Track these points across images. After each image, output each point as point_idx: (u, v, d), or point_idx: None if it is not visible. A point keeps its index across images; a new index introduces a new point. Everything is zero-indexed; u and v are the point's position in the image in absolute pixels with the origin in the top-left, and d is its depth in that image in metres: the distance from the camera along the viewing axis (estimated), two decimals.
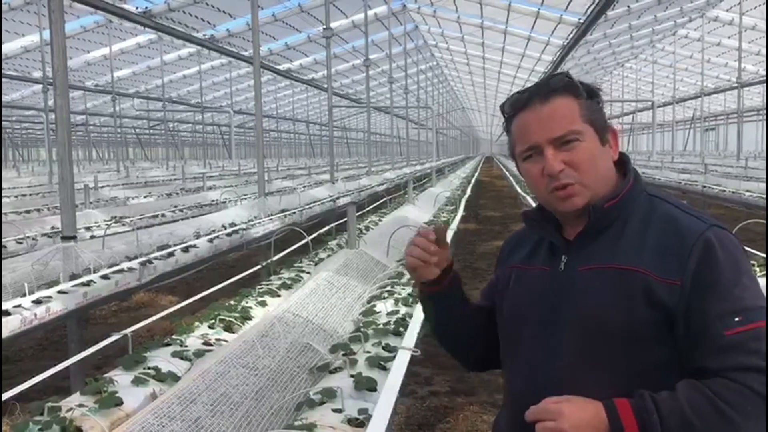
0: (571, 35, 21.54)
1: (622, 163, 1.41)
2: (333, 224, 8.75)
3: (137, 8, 16.30)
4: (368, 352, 2.96)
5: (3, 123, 37.88)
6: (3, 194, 13.66)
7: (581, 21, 19.49)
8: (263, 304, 4.05)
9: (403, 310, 3.76)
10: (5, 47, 22.33)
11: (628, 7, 20.29)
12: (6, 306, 3.82)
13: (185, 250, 6.14)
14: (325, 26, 14.90)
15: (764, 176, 14.15)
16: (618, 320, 1.26)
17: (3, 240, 6.84)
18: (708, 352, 1.21)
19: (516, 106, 1.39)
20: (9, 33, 20.95)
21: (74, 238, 5.26)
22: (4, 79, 24.87)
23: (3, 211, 9.94)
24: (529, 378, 1.36)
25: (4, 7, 18.73)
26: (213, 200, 12.72)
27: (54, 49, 4.95)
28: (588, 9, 17.93)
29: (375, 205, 12.12)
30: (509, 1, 22.03)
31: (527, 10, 22.52)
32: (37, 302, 4.00)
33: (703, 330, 1.22)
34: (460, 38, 30.93)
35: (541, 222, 1.44)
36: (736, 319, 1.20)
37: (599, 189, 1.34)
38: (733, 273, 1.24)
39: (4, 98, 30.82)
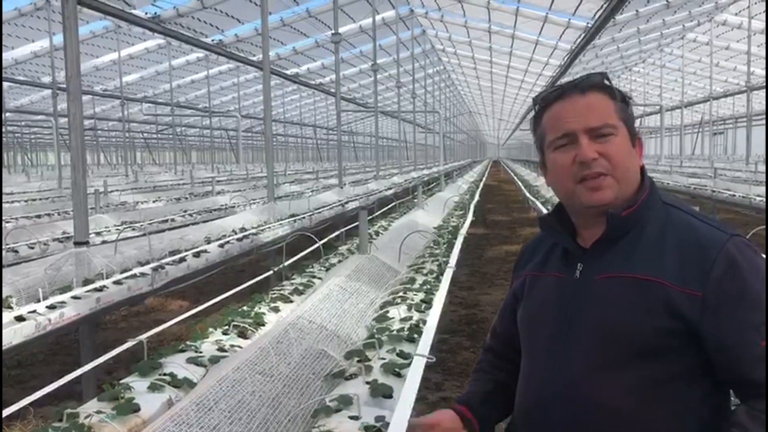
0: (580, 39, 21.49)
1: (640, 171, 1.41)
2: (342, 229, 8.76)
3: (146, 13, 16.38)
4: (383, 358, 2.96)
5: (12, 128, 38.11)
6: (14, 199, 13.74)
7: (589, 25, 19.46)
8: (276, 309, 4.05)
9: (416, 316, 3.75)
10: (16, 53, 22.50)
11: (637, 11, 20.23)
12: (21, 311, 3.84)
13: (196, 255, 6.15)
14: (333, 31, 14.92)
15: None
16: (636, 330, 1.25)
17: (15, 245, 6.88)
18: (746, 362, 1.22)
19: (551, 98, 1.39)
20: (19, 38, 21.09)
21: (87, 243, 5.28)
22: (14, 84, 25.05)
23: (14, 216, 10.01)
24: (543, 386, 1.35)
25: (15, 13, 18.87)
26: (222, 205, 12.74)
27: (68, 56, 4.98)
28: (596, 13, 17.90)
29: (384, 209, 12.12)
30: (517, 5, 22.03)
31: (535, 14, 22.49)
32: (52, 307, 4.01)
33: (739, 341, 1.22)
34: (467, 42, 30.92)
35: (556, 227, 1.43)
36: None
37: (626, 187, 1.34)
38: (759, 282, 1.24)
39: (14, 103, 31.03)
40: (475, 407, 1.53)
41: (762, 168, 21.01)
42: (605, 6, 16.36)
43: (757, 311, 1.22)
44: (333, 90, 19.47)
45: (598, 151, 1.31)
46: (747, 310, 1.23)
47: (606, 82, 1.38)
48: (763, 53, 25.47)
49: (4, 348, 3.44)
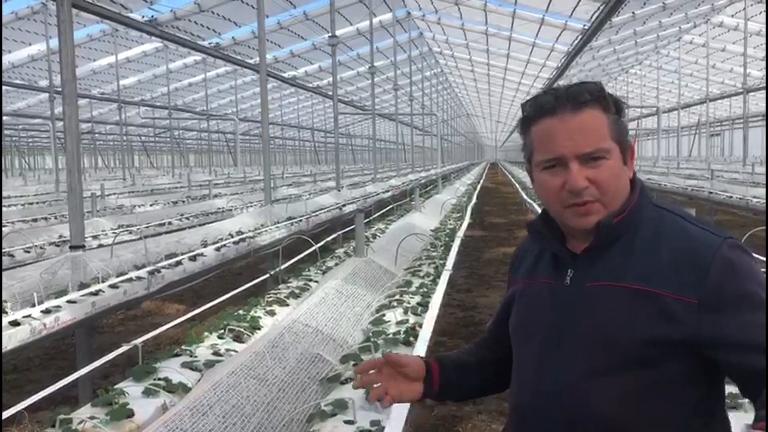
0: (576, 42, 21.53)
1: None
2: (339, 232, 8.76)
3: (143, 17, 16.37)
4: None
5: (10, 131, 38.08)
6: (11, 203, 13.72)
7: (586, 27, 19.49)
8: (272, 313, 4.05)
9: (412, 319, 3.75)
10: (13, 56, 22.48)
11: (633, 13, 20.26)
12: (15, 316, 3.82)
13: (193, 258, 6.14)
14: (330, 34, 14.93)
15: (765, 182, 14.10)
16: (629, 338, 1.24)
17: (11, 249, 6.86)
18: (754, 357, 1.21)
19: (540, 110, 1.33)
20: (16, 42, 21.08)
21: (82, 247, 5.27)
22: (11, 88, 25.03)
23: (11, 220, 9.99)
24: (537, 392, 1.34)
25: (12, 17, 18.86)
26: (219, 208, 12.73)
27: (63, 59, 4.97)
28: (593, 15, 17.92)
29: (381, 212, 12.13)
30: (514, 7, 22.04)
31: (532, 16, 22.52)
32: (47, 312, 4.00)
33: (744, 341, 1.22)
34: (464, 45, 30.96)
35: (545, 233, 1.42)
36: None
37: (614, 207, 1.31)
38: (756, 284, 1.24)
39: (11, 106, 30.99)
40: (446, 368, 1.54)
41: (759, 169, 21.07)
42: (602, 8, 16.39)
43: (757, 311, 1.22)
44: (330, 93, 19.48)
45: (589, 177, 1.27)
46: (748, 310, 1.22)
47: (600, 93, 1.32)
48: (759, 55, 25.56)
49: None
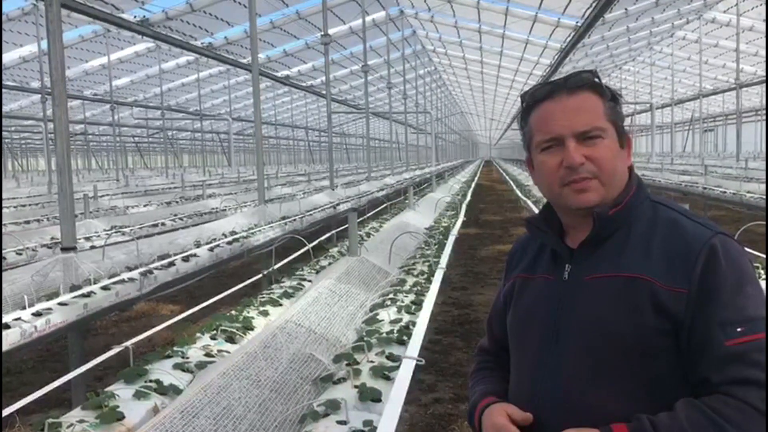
0: (569, 38, 21.56)
1: (628, 170, 1.39)
2: (333, 231, 8.73)
3: (135, 17, 16.30)
4: (372, 361, 2.94)
5: (2, 133, 37.91)
6: (3, 205, 13.64)
7: (579, 24, 19.51)
8: (265, 313, 4.02)
9: (405, 317, 3.73)
10: (5, 57, 22.37)
11: (626, 9, 20.30)
12: (6, 319, 3.79)
13: (186, 259, 6.11)
14: (323, 33, 14.90)
15: (764, 177, 14.16)
16: (626, 331, 1.24)
17: (3, 251, 6.82)
18: (709, 362, 1.19)
19: (538, 96, 1.36)
20: (8, 43, 20.97)
21: (74, 248, 5.23)
22: (3, 90, 24.91)
23: (3, 222, 9.92)
24: (536, 389, 1.34)
25: (3, 18, 18.76)
26: (213, 208, 12.70)
27: (52, 60, 4.94)
28: (586, 12, 17.94)
29: (375, 211, 12.11)
30: (507, 5, 22.05)
31: (525, 14, 22.53)
32: (37, 315, 3.97)
33: (705, 339, 1.20)
34: (458, 43, 30.96)
35: (543, 229, 1.42)
36: (738, 329, 1.18)
37: (612, 190, 1.32)
38: (737, 281, 1.22)
39: (3, 108, 30.85)
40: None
41: (752, 164, 21.13)
42: (594, 4, 16.40)
43: (727, 310, 1.20)
44: (324, 92, 19.45)
45: (586, 155, 1.30)
46: (718, 307, 1.21)
47: (596, 80, 1.36)
48: (752, 50, 25.66)
49: None
